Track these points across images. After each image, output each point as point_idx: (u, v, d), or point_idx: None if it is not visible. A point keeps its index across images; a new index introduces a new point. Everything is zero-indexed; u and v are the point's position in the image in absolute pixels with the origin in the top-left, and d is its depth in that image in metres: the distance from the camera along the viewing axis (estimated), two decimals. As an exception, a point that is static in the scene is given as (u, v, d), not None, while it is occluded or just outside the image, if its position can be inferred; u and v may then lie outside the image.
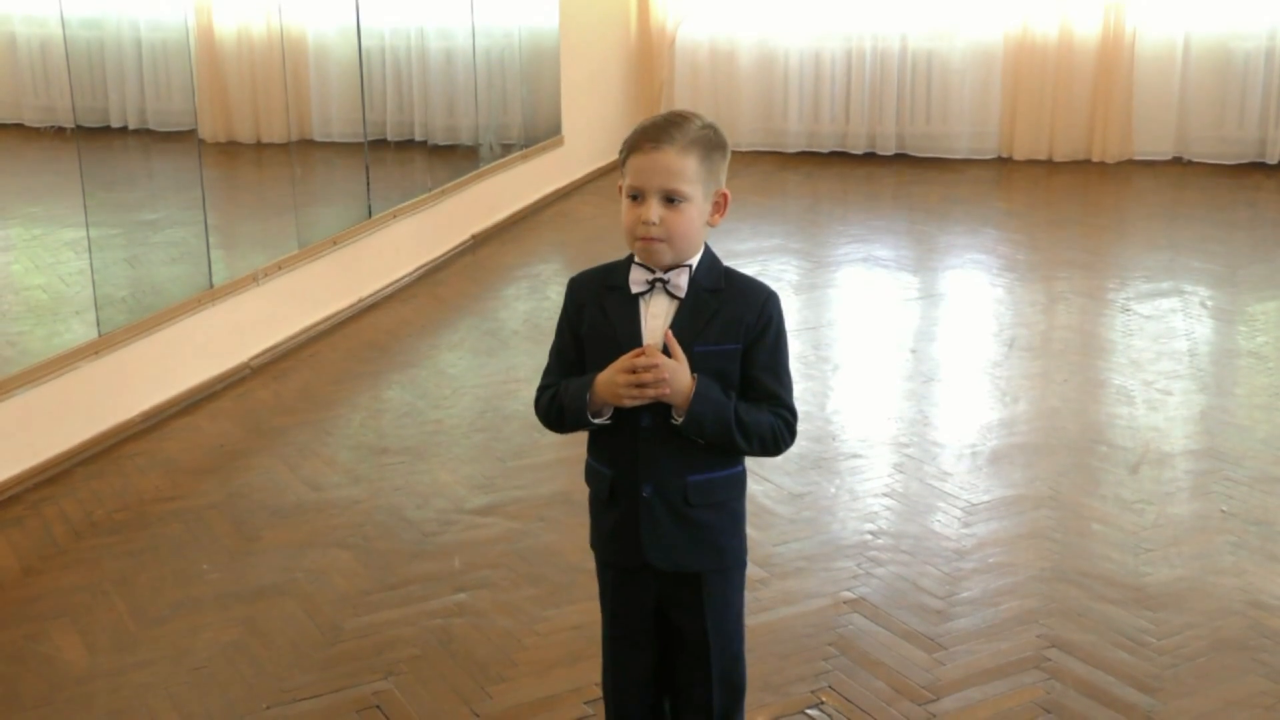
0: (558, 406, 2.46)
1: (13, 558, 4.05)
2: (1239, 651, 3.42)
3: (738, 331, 2.39)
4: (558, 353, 2.52)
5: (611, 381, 2.34)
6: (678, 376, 2.32)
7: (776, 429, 2.42)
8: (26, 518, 4.31)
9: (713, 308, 2.39)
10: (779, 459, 4.48)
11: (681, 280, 2.38)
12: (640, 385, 2.31)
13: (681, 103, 10.07)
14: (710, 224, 2.40)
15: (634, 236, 2.36)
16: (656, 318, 2.39)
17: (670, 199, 2.32)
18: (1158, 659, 3.39)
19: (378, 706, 3.25)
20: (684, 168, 2.31)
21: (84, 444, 4.77)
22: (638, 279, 2.40)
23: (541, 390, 2.52)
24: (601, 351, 2.41)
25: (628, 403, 2.34)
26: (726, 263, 2.48)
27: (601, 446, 2.49)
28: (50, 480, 4.57)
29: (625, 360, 2.33)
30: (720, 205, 2.41)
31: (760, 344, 2.41)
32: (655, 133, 2.33)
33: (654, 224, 2.32)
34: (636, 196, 2.34)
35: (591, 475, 2.55)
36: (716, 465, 2.46)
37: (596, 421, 2.41)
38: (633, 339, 2.38)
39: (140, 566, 3.98)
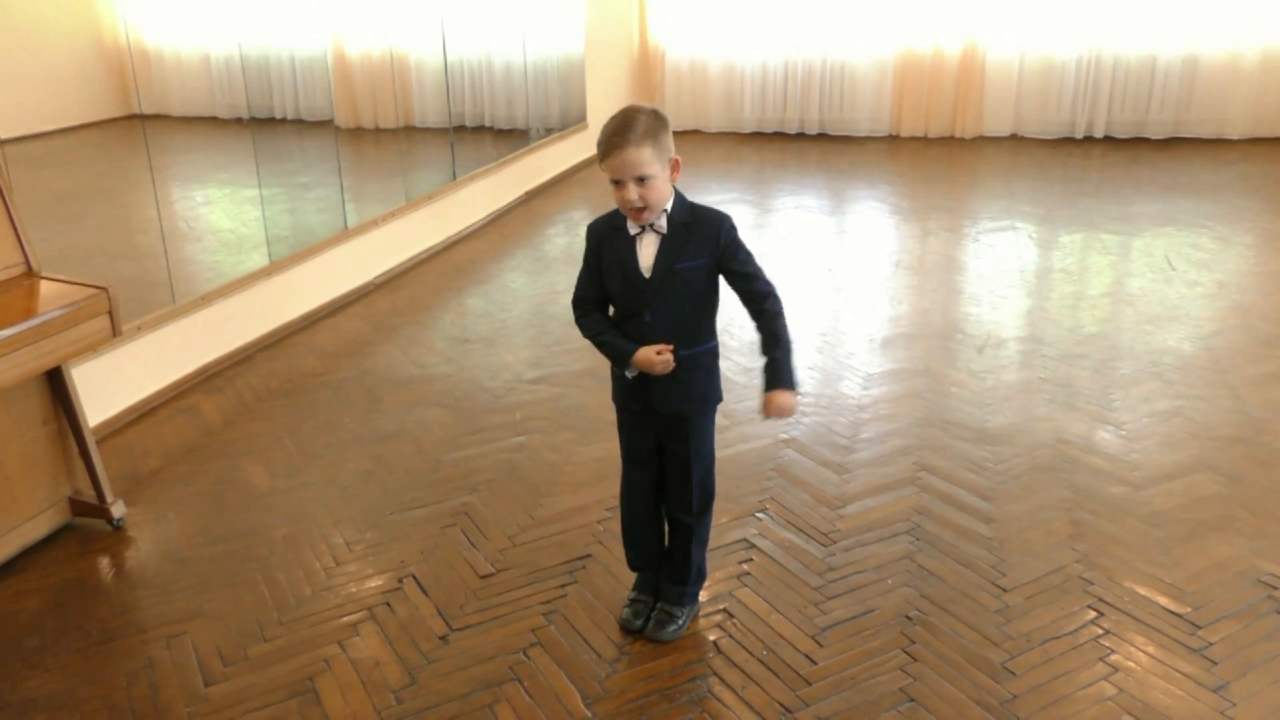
0: (606, 347, 2.45)
1: (217, 414, 4.07)
2: (1048, 472, 3.44)
3: (707, 250, 2.37)
4: (585, 276, 2.48)
5: (649, 360, 2.37)
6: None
7: (778, 318, 2.43)
8: (225, 387, 4.33)
9: (685, 237, 2.36)
10: (742, 345, 4.50)
11: (662, 222, 2.36)
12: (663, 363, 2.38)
13: (669, 99, 9.91)
14: (672, 181, 2.35)
15: (625, 209, 2.34)
16: (648, 248, 2.37)
17: (641, 179, 2.28)
18: (994, 477, 3.42)
19: (465, 513, 3.29)
20: (643, 158, 2.25)
21: (262, 337, 4.77)
22: (633, 226, 2.38)
23: (577, 301, 2.49)
24: (616, 275, 2.40)
25: (659, 371, 2.39)
26: None
27: (622, 333, 2.48)
28: (240, 361, 4.58)
29: (656, 348, 2.38)
30: (675, 166, 2.35)
31: (729, 253, 2.38)
32: (617, 139, 2.26)
33: (635, 200, 2.29)
34: (619, 183, 2.30)
35: None
36: (699, 343, 2.45)
37: (628, 375, 2.45)
38: (634, 265, 2.37)
39: (302, 419, 4.00)
